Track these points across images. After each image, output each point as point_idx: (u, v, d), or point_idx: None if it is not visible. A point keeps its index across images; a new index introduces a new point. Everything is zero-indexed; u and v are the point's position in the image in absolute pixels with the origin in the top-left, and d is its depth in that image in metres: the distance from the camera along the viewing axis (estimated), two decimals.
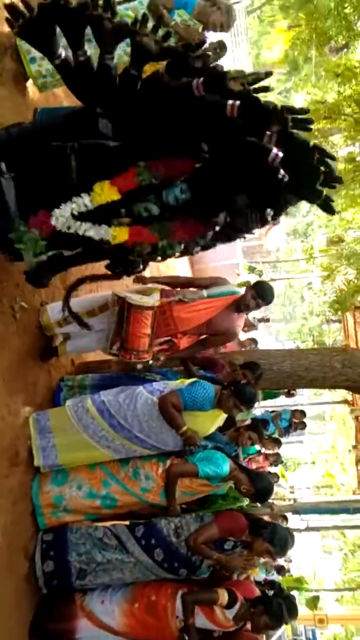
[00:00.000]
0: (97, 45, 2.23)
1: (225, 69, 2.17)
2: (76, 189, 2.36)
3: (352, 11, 7.54)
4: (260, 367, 3.56)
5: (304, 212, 18.63)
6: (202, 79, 2.20)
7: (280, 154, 2.17)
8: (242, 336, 6.86)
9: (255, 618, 2.82)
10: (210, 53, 2.21)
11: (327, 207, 2.26)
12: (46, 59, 3.09)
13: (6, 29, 3.11)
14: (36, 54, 3.09)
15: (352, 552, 18.13)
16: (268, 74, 2.19)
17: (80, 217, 2.38)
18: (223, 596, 2.75)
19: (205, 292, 3.39)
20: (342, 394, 10.95)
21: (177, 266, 10.11)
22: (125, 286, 4.25)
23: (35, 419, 3.07)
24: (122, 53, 2.51)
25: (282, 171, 2.20)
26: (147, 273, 3.85)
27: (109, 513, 3.13)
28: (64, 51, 2.26)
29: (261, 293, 3.32)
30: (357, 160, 8.30)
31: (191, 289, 3.49)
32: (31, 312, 3.22)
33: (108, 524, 3.11)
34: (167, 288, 3.45)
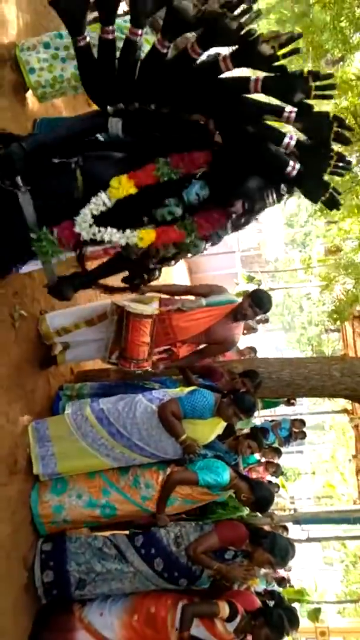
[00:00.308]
0: (132, 15, 2.19)
1: (258, 32, 2.12)
2: (85, 202, 2.35)
3: (347, 25, 7.62)
4: (260, 376, 3.56)
5: (302, 222, 18.72)
6: (229, 52, 2.17)
7: (294, 142, 2.18)
8: (242, 344, 6.85)
9: (256, 631, 2.78)
10: (247, 8, 2.11)
11: (333, 202, 2.26)
12: (46, 69, 3.14)
13: (5, 40, 3.17)
14: (35, 64, 3.13)
15: (353, 563, 17.94)
16: (300, 35, 2.19)
17: (104, 224, 2.37)
18: (224, 609, 2.72)
19: (204, 301, 3.40)
20: (342, 403, 10.94)
21: (175, 275, 10.13)
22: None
23: (34, 427, 3.06)
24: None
25: (291, 164, 2.20)
26: None
27: (108, 522, 3.11)
28: (88, 36, 2.26)
29: (258, 301, 3.33)
30: (354, 172, 8.36)
31: (190, 297, 3.50)
32: (30, 320, 3.22)
33: (107, 533, 3.09)
34: (165, 297, 3.46)
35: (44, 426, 3.06)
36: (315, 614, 10.49)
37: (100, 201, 2.33)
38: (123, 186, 2.32)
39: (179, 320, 3.32)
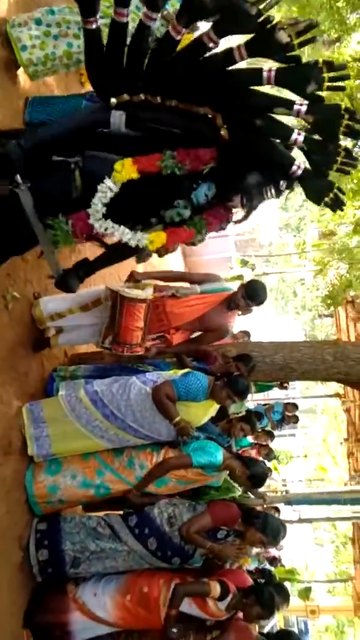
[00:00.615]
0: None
1: (276, 19, 2.09)
2: (83, 200, 2.34)
3: (344, 5, 7.52)
4: (253, 360, 3.58)
5: (296, 206, 18.64)
6: (244, 41, 2.14)
7: (301, 138, 2.17)
8: (236, 327, 6.85)
9: (247, 608, 2.84)
10: None
11: (337, 202, 2.26)
12: (37, 47, 3.08)
13: None
14: (27, 41, 3.06)
15: (343, 544, 18.27)
16: (317, 23, 2.18)
17: (116, 220, 2.37)
18: (215, 589, 2.76)
19: (198, 288, 3.41)
20: (334, 387, 11.04)
21: (170, 259, 10.09)
22: (118, 280, 4.25)
23: (29, 409, 3.06)
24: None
25: (296, 164, 2.20)
26: (140, 268, 3.86)
27: (103, 500, 3.14)
28: (100, 19, 2.18)
29: (251, 293, 3.33)
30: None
31: (184, 284, 3.50)
32: (23, 302, 3.20)
33: (101, 513, 3.12)
34: (160, 283, 3.46)
35: (38, 408, 3.07)
36: (305, 593, 10.72)
37: (106, 187, 2.31)
38: (126, 169, 2.29)
39: (173, 307, 3.33)
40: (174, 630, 2.64)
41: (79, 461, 3.08)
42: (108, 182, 2.30)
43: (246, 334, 6.70)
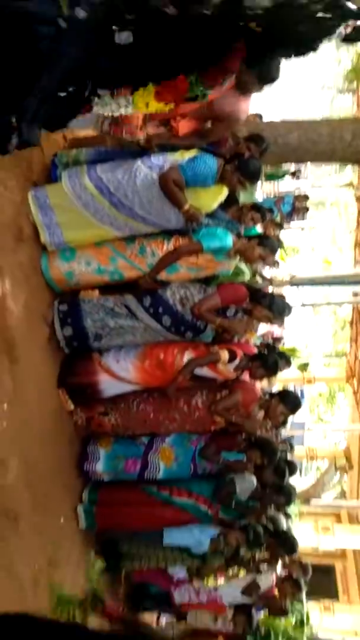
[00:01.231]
0: None
1: None
2: None
3: None
4: (266, 140, 3.36)
5: None
6: None
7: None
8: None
9: (253, 370, 3.21)
10: None
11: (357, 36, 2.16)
12: None
13: None
14: None
15: (342, 328, 19.78)
16: None
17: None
18: (224, 355, 3.07)
19: None
20: (346, 180, 10.65)
21: None
22: None
23: (34, 195, 2.98)
24: None
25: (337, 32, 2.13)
26: None
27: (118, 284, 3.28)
28: None
29: (262, 72, 2.91)
30: None
31: None
32: None
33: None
34: None
35: (44, 194, 2.99)
36: (304, 366, 12.06)
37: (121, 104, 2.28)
38: (151, 104, 2.26)
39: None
40: (174, 391, 3.09)
41: (93, 248, 3.14)
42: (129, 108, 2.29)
43: (258, 116, 6.20)
